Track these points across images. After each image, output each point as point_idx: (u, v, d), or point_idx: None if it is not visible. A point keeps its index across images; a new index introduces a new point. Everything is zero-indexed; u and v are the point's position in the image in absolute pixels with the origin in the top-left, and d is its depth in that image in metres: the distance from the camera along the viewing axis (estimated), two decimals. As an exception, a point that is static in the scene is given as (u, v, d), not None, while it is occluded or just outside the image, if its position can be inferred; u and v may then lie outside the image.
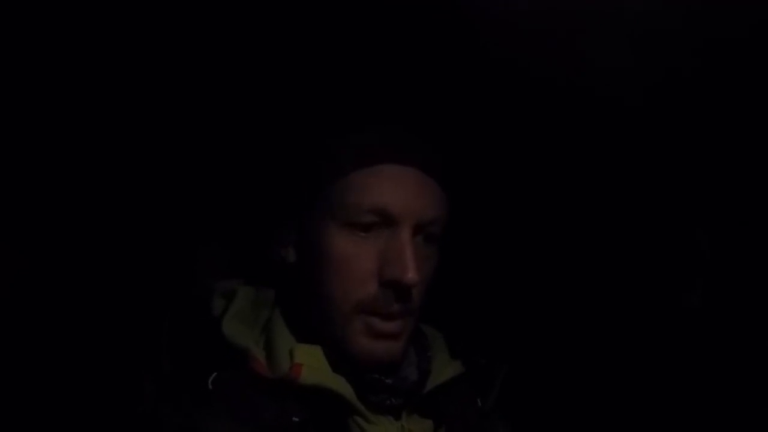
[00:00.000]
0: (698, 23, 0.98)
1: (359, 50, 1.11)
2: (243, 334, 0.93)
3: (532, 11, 1.00)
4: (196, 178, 1.24)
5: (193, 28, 1.10)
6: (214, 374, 0.89)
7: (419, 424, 0.97)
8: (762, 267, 1.30)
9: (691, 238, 1.36)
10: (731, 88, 1.14)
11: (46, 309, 1.16)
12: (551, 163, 1.31)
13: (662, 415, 1.29)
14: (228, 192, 1.20)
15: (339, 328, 0.92)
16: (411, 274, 0.89)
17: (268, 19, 1.08)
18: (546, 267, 1.38)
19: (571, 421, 1.28)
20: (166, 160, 1.22)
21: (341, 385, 0.90)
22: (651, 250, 1.37)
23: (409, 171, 0.92)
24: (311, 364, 0.90)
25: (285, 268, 0.96)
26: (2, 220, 1.15)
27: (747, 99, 1.16)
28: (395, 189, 0.91)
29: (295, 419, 0.88)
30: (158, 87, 1.18)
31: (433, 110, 1.05)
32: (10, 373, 1.12)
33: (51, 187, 1.18)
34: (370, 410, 0.92)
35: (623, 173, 1.32)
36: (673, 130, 1.24)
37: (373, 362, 0.93)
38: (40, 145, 1.17)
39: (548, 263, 1.38)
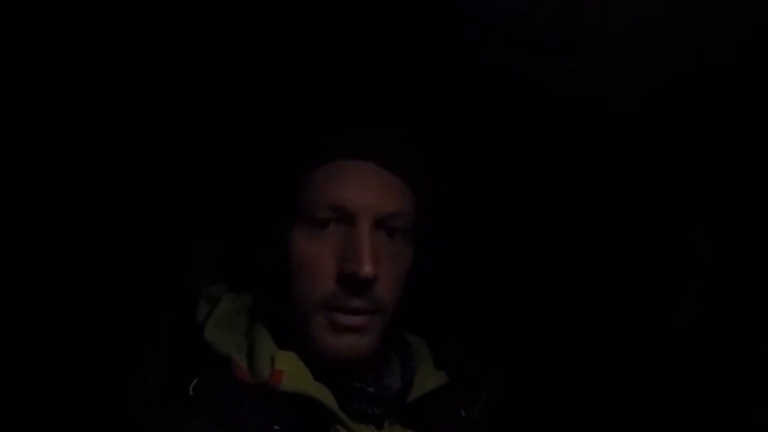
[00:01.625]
0: (698, 23, 0.99)
1: (326, 49, 1.11)
2: (225, 341, 0.93)
3: (527, 11, 1.01)
4: (195, 179, 1.24)
5: (181, 33, 1.10)
6: (195, 380, 0.89)
7: None
8: (761, 270, 1.30)
9: (690, 241, 1.36)
10: (731, 88, 1.15)
11: (46, 309, 1.15)
12: (546, 165, 1.31)
13: (661, 411, 1.29)
14: (223, 194, 1.20)
15: (304, 325, 0.92)
16: (367, 268, 0.88)
17: (240, 24, 1.08)
18: (538, 274, 1.37)
19: (562, 426, 1.28)
20: (166, 160, 1.22)
21: (322, 393, 0.90)
22: (648, 253, 1.37)
23: (367, 166, 0.92)
24: (291, 372, 0.90)
25: (264, 273, 0.97)
26: (2, 220, 1.15)
27: (746, 100, 1.16)
28: (352, 185, 0.91)
29: (276, 428, 0.87)
30: (153, 88, 1.18)
31: (403, 107, 1.04)
32: (7, 373, 1.11)
33: (51, 187, 1.18)
34: (351, 418, 0.92)
35: (622, 175, 1.32)
36: (672, 131, 1.25)
37: (340, 359, 0.92)
38: (40, 145, 1.17)
39: (541, 270, 1.37)
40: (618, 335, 1.35)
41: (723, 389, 1.27)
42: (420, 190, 0.96)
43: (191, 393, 0.88)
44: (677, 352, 1.32)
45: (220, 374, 0.90)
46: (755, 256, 1.31)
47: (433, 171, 0.99)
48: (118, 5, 1.05)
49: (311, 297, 0.91)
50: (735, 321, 1.30)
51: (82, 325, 1.16)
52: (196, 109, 1.20)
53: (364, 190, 0.91)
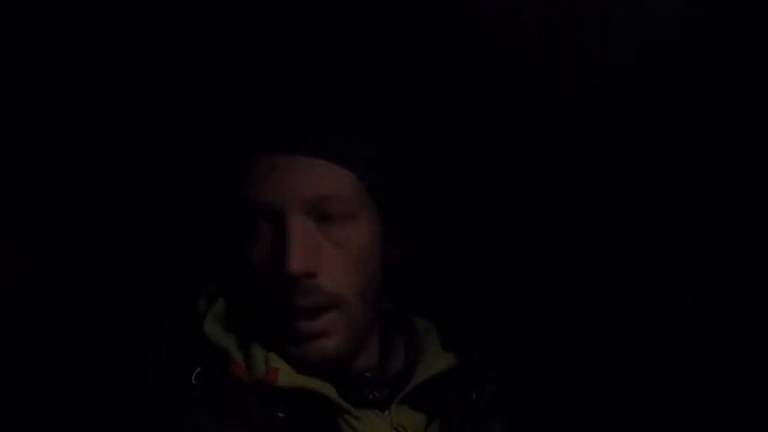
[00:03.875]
0: (700, 28, 0.98)
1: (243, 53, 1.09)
2: (223, 336, 0.92)
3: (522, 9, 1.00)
4: (195, 179, 1.24)
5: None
6: (198, 369, 0.89)
7: (410, 417, 0.96)
8: (761, 270, 1.29)
9: (690, 241, 1.36)
10: (731, 88, 1.14)
11: (46, 309, 1.15)
12: (547, 162, 1.31)
13: (661, 411, 1.29)
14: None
15: (268, 335, 0.90)
16: (294, 265, 0.84)
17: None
18: (544, 261, 1.36)
19: (568, 415, 1.27)
20: (166, 159, 1.22)
21: (320, 384, 0.89)
22: (648, 253, 1.37)
23: (281, 157, 0.88)
24: (287, 367, 0.89)
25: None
26: (2, 220, 1.15)
27: (746, 99, 1.16)
28: (266, 179, 0.87)
29: (281, 415, 0.87)
30: (150, 90, 1.18)
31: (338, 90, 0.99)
32: (8, 372, 1.11)
33: (51, 187, 1.18)
34: (353, 405, 0.91)
35: (622, 174, 1.32)
36: (671, 130, 1.24)
37: (313, 366, 0.89)
38: (40, 145, 1.17)
39: (542, 269, 1.37)
40: (618, 333, 1.34)
41: (723, 389, 1.27)
42: (363, 169, 0.90)
43: (194, 382, 0.88)
44: (677, 352, 1.32)
45: (220, 368, 0.90)
46: (755, 256, 1.30)
47: (407, 154, 0.96)
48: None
49: (261, 307, 0.89)
50: (735, 321, 1.30)
51: (82, 324, 1.16)
52: (196, 110, 1.20)
53: (282, 181, 0.87)
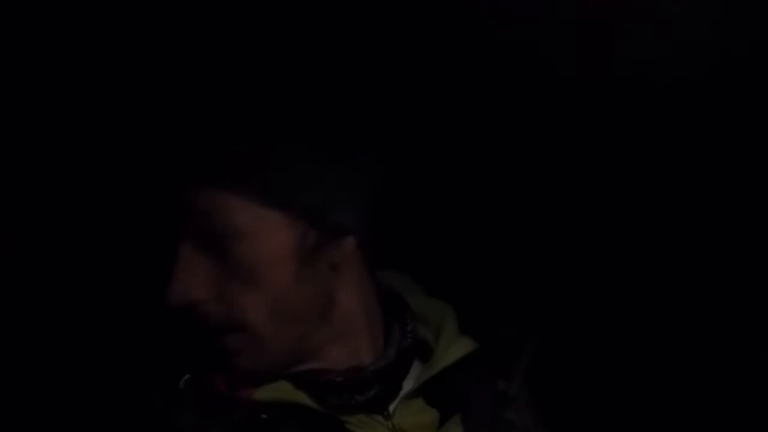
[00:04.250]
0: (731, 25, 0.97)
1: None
2: None
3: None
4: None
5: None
6: (187, 376, 0.87)
7: (416, 417, 0.88)
8: (761, 270, 1.30)
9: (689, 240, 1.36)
10: (733, 86, 1.14)
11: (35, 315, 1.14)
12: (570, 150, 1.28)
13: (661, 410, 1.29)
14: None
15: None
16: (167, 298, 0.84)
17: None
18: (547, 260, 1.34)
19: (605, 403, 1.24)
20: (164, 150, 1.20)
21: (298, 395, 0.86)
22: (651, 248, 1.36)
23: (175, 188, 0.87)
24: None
25: None
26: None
27: (747, 97, 1.16)
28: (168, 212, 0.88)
29: (264, 416, 0.84)
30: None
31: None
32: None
33: (49, 181, 1.16)
34: (342, 413, 0.86)
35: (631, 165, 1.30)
36: (671, 129, 1.24)
37: (248, 381, 0.87)
38: (37, 136, 1.15)
39: (554, 256, 1.34)
40: (619, 332, 1.33)
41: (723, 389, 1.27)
42: (245, 181, 0.82)
43: (181, 387, 0.87)
44: (676, 351, 1.32)
45: (207, 377, 0.89)
46: (755, 256, 1.31)
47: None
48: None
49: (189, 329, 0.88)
50: (734, 321, 1.31)
51: (76, 326, 1.14)
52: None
53: (173, 211, 0.86)
